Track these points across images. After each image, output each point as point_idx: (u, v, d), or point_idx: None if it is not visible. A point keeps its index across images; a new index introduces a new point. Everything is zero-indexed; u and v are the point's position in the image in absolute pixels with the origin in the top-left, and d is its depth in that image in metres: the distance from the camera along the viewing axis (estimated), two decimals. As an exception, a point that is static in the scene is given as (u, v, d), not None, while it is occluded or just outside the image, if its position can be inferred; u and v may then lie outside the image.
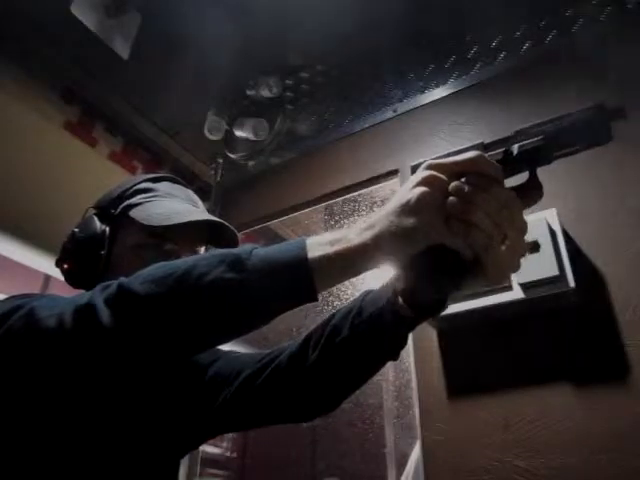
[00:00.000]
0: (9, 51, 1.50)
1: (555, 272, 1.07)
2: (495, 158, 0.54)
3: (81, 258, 0.84)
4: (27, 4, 1.39)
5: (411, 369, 1.27)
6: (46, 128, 1.64)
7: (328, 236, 0.55)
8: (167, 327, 0.55)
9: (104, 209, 0.88)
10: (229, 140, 1.88)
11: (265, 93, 1.76)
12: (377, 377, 0.75)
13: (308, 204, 1.68)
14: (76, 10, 1.41)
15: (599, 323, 1.07)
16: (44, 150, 1.67)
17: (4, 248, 1.57)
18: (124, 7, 1.50)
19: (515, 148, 0.56)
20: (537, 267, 1.08)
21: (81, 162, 1.75)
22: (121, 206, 0.87)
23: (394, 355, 0.69)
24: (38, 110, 1.61)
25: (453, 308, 1.14)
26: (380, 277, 0.67)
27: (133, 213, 0.84)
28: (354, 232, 0.54)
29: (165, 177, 0.96)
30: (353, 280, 0.58)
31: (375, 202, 1.73)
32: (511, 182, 0.55)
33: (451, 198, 0.51)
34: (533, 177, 0.56)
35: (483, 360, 1.17)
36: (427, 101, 1.55)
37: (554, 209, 1.16)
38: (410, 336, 0.69)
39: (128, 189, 0.89)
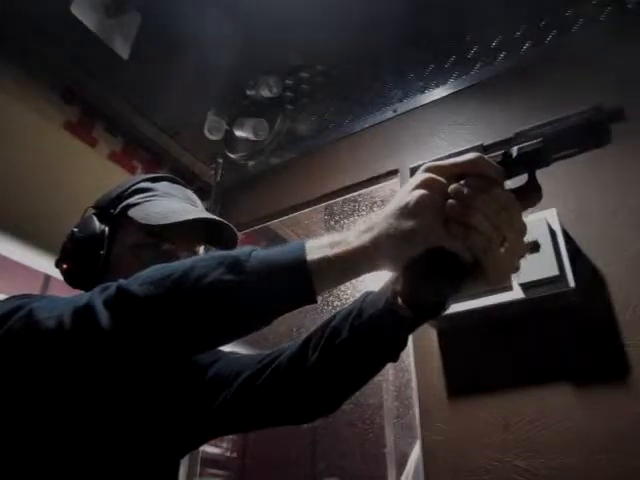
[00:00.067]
0: (9, 51, 1.50)
1: (555, 272, 1.07)
2: (494, 160, 0.54)
3: (80, 258, 0.84)
4: (27, 4, 1.39)
5: (411, 369, 1.27)
6: (46, 128, 1.64)
7: (327, 238, 0.55)
8: (166, 329, 0.55)
9: (103, 209, 0.88)
10: (229, 140, 1.88)
11: (265, 93, 1.76)
12: (377, 377, 0.75)
13: (308, 204, 1.68)
14: (76, 10, 1.41)
15: (599, 323, 1.07)
16: (44, 150, 1.67)
17: (4, 248, 1.57)
18: (124, 7, 1.50)
19: (514, 150, 0.56)
20: (537, 267, 1.08)
21: (81, 162, 1.75)
22: (120, 206, 0.87)
23: (394, 356, 0.69)
24: (38, 110, 1.61)
25: (453, 308, 1.14)
26: (380, 278, 0.67)
27: (132, 213, 0.84)
28: (353, 234, 0.54)
29: (164, 177, 0.96)
30: (353, 281, 0.58)
31: (375, 202, 1.73)
32: (510, 184, 0.55)
33: (450, 201, 0.51)
34: (532, 179, 0.56)
35: (483, 360, 1.17)
36: (427, 101, 1.55)
37: (554, 209, 1.16)
38: (410, 336, 0.68)
39: (127, 189, 0.89)
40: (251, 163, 1.88)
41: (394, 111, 1.60)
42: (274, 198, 1.75)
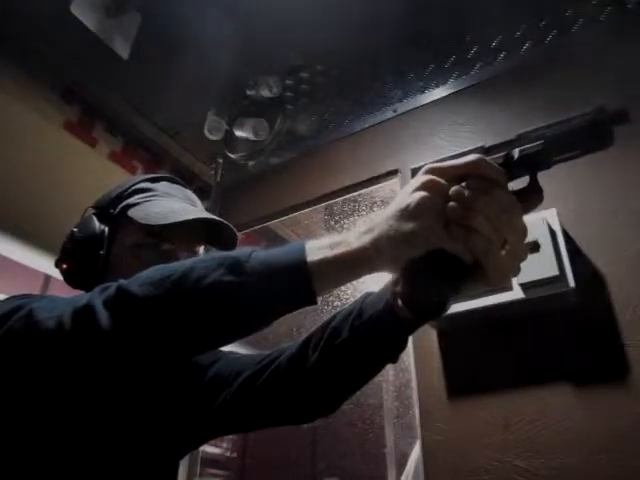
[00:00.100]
0: (9, 51, 1.50)
1: (555, 272, 1.07)
2: (495, 162, 0.54)
3: (80, 258, 0.84)
4: (27, 4, 1.39)
5: (411, 369, 1.27)
6: (46, 128, 1.64)
7: (327, 239, 0.55)
8: (165, 329, 0.55)
9: (103, 209, 0.88)
10: (229, 140, 1.88)
11: (265, 93, 1.76)
12: (377, 377, 0.75)
13: (308, 204, 1.68)
14: (76, 10, 1.41)
15: (599, 323, 1.07)
16: (44, 150, 1.67)
17: (4, 248, 1.57)
18: (124, 7, 1.50)
19: (516, 152, 0.56)
20: (537, 267, 1.08)
21: (81, 162, 1.75)
22: (120, 206, 0.87)
23: (394, 357, 0.69)
24: (38, 110, 1.61)
25: (453, 308, 1.14)
26: (380, 279, 0.67)
27: (131, 213, 0.84)
28: (353, 236, 0.54)
29: (164, 177, 0.96)
30: (353, 282, 0.58)
31: (375, 202, 1.73)
32: (511, 186, 0.55)
33: (451, 203, 0.51)
34: (534, 181, 0.56)
35: (483, 360, 1.17)
36: (427, 101, 1.55)
37: (554, 209, 1.15)
38: (410, 336, 0.69)
39: (127, 189, 0.89)
40: (251, 163, 1.88)
41: (394, 111, 1.60)
42: (274, 198, 1.74)
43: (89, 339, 0.56)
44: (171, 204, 0.87)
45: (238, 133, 1.81)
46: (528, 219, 0.54)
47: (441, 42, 1.59)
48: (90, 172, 1.74)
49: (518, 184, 0.56)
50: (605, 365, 1.04)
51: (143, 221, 0.82)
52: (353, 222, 1.82)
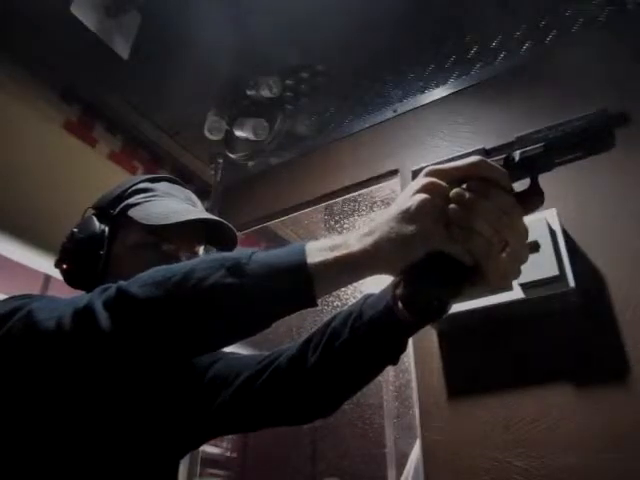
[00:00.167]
0: (9, 51, 1.50)
1: (555, 272, 1.07)
2: (496, 164, 0.54)
3: (80, 258, 0.84)
4: (27, 4, 1.39)
5: (411, 369, 1.27)
6: (46, 128, 1.64)
7: (328, 241, 0.55)
8: (165, 331, 0.55)
9: (103, 209, 0.88)
10: (229, 140, 1.87)
11: (265, 93, 1.76)
12: (377, 377, 0.75)
13: (308, 204, 1.68)
14: (76, 10, 1.41)
15: (599, 323, 1.07)
16: (44, 150, 1.67)
17: (4, 248, 1.57)
18: (124, 7, 1.50)
19: (517, 154, 0.56)
20: (537, 267, 1.08)
21: (81, 162, 1.75)
22: (120, 206, 0.87)
23: (394, 359, 0.69)
24: (38, 110, 1.61)
25: (453, 308, 1.12)
26: (381, 281, 0.67)
27: (132, 213, 0.84)
28: (354, 238, 0.54)
29: (164, 177, 0.96)
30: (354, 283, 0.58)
31: (375, 202, 1.73)
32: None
33: (452, 206, 0.51)
34: (534, 184, 0.56)
35: (483, 360, 1.17)
36: (427, 101, 1.55)
37: (554, 209, 1.15)
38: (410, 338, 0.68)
39: (127, 189, 0.89)
40: (251, 163, 1.88)
41: (394, 111, 1.60)
42: (274, 198, 1.74)
43: (89, 340, 0.56)
44: (172, 204, 0.87)
45: (238, 133, 1.81)
46: (528, 219, 0.54)
47: (441, 42, 1.59)
48: (90, 172, 1.74)
49: (518, 186, 0.56)
50: (605, 365, 1.04)
51: (144, 221, 0.82)
52: (353, 222, 1.82)
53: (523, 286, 1.10)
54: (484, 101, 1.43)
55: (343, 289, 1.73)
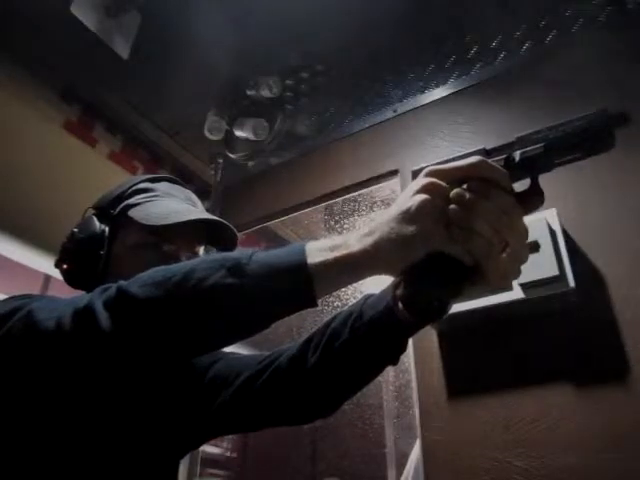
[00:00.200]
0: (9, 51, 1.50)
1: (555, 272, 1.07)
2: (497, 164, 0.54)
3: (80, 258, 0.84)
4: (27, 4, 1.39)
5: (411, 369, 1.27)
6: (46, 128, 1.64)
7: (328, 242, 0.55)
8: (166, 331, 0.55)
9: (103, 209, 0.88)
10: (229, 140, 1.87)
11: (265, 93, 1.76)
12: (377, 378, 0.75)
13: (308, 204, 1.68)
14: (76, 10, 1.41)
15: (599, 323, 1.07)
16: (44, 150, 1.67)
17: (4, 248, 1.57)
18: (124, 7, 1.50)
19: (517, 155, 0.56)
20: (537, 267, 1.08)
21: (81, 162, 1.76)
22: (120, 206, 0.87)
23: (394, 360, 0.69)
24: (38, 110, 1.61)
25: (453, 308, 1.12)
26: (381, 281, 0.67)
27: (132, 213, 0.85)
28: (354, 238, 0.54)
29: (164, 177, 0.96)
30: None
31: (375, 202, 1.73)
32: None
33: (452, 206, 0.51)
34: (535, 184, 0.56)
35: (483, 360, 1.17)
36: (427, 101, 1.55)
37: (554, 209, 1.15)
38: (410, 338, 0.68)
39: (127, 189, 0.89)
40: (251, 163, 1.88)
41: (394, 111, 1.60)
42: (274, 198, 1.74)
43: (89, 340, 0.56)
44: (172, 204, 0.87)
45: (238, 133, 1.81)
46: (528, 219, 0.54)
47: (441, 42, 1.59)
48: (90, 172, 1.74)
49: (518, 186, 0.56)
50: (605, 365, 1.04)
51: (144, 221, 0.82)
52: (353, 222, 1.82)
53: (523, 286, 1.10)
54: (484, 101, 1.43)
55: (343, 289, 1.73)
